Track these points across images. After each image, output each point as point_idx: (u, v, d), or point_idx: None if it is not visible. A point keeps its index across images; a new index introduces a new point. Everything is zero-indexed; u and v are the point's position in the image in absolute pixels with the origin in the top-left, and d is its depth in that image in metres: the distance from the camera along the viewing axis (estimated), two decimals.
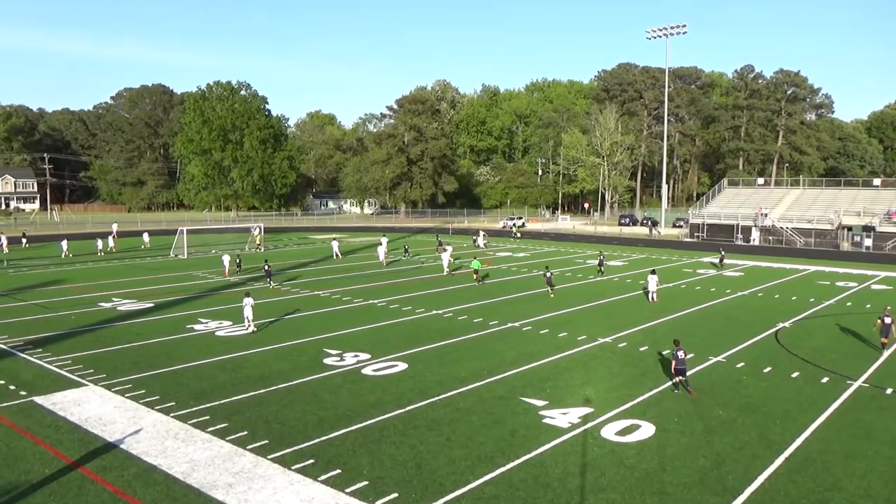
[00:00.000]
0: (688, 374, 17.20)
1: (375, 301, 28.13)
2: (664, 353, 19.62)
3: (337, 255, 46.50)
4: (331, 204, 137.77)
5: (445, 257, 39.21)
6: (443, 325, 23.48)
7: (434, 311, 25.81)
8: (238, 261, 39.18)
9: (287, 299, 28.80)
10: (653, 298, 28.70)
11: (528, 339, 21.31)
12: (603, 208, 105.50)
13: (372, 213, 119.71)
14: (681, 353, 16.41)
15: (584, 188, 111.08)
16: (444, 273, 37.17)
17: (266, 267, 33.33)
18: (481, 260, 36.17)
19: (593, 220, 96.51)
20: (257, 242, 51.73)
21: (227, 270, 36.87)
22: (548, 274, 31.28)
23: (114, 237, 50.94)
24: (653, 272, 29.99)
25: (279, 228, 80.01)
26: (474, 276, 34.66)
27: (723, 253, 44.30)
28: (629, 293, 31.03)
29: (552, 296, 29.44)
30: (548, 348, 20.15)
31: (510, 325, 23.43)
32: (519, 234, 66.87)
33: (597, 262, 39.33)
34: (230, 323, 23.40)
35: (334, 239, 50.82)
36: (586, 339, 21.41)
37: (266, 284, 32.26)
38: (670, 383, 16.73)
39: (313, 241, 63.28)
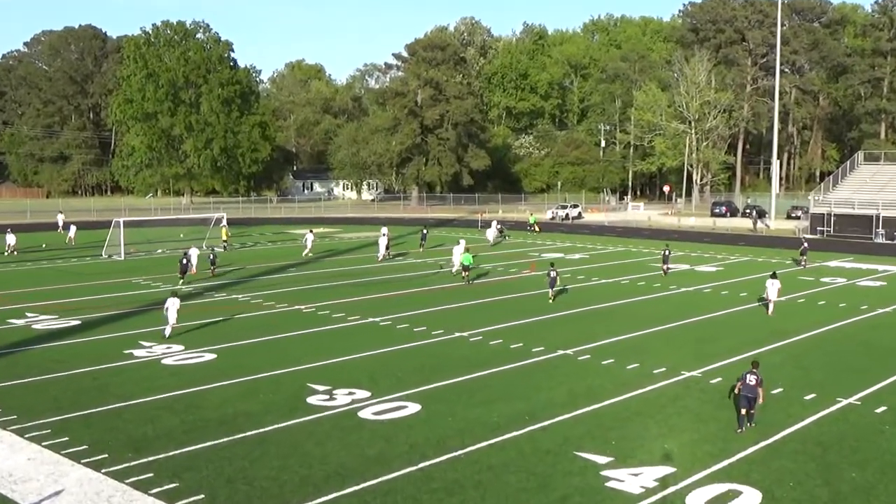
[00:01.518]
0: (797, 425, 16.97)
1: (377, 318, 28.26)
2: (775, 391, 19.42)
3: (307, 252, 47.86)
4: (317, 187, 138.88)
5: (457, 252, 40.35)
6: (469, 351, 23.51)
7: (457, 333, 25.85)
8: (211, 257, 40.06)
9: (258, 316, 29.03)
10: (771, 310, 29.64)
11: (586, 372, 21.23)
12: (689, 193, 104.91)
13: (373, 200, 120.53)
14: (751, 378, 16.85)
15: (663, 165, 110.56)
16: (453, 272, 39.51)
17: (183, 261, 36.73)
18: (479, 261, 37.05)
19: (676, 210, 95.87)
20: (224, 238, 52.32)
21: (194, 267, 39.13)
22: (552, 273, 32.48)
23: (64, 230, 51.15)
24: (773, 276, 30.56)
25: (247, 220, 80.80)
26: (462, 275, 37.66)
27: (805, 245, 44.76)
28: (726, 309, 30.79)
29: (551, 301, 31.89)
30: (613, 385, 20.06)
31: (560, 352, 23.38)
32: (537, 228, 67.24)
33: (669, 262, 40.99)
34: (182, 347, 23.69)
35: (310, 231, 51.01)
36: (666, 371, 21.27)
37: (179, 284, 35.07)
38: (761, 433, 16.53)
39: (293, 236, 63.54)
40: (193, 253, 40.79)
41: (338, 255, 49.16)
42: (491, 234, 57.55)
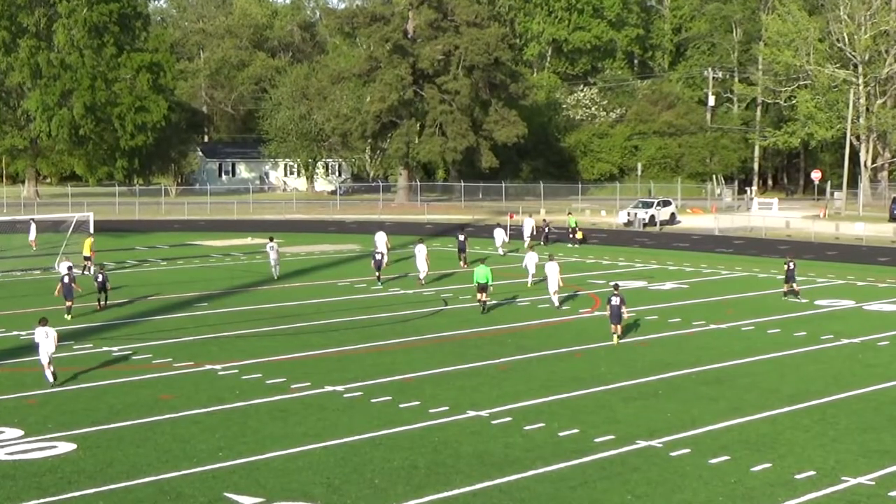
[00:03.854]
0: None
1: (340, 387, 28.22)
2: None
3: (274, 271, 50.97)
4: (242, 170, 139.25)
5: (532, 261, 47.47)
6: (490, 441, 23.47)
7: (471, 412, 25.79)
8: (100, 279, 40.90)
9: (145, 380, 28.99)
10: None
11: (685, 478, 21.12)
12: (854, 183, 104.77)
13: (334, 191, 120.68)
14: None
15: (810, 136, 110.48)
16: (554, 305, 42.98)
17: (65, 279, 38.59)
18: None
19: (833, 209, 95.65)
20: (87, 254, 52.66)
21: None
22: (614, 299, 34.41)
23: None
24: None
25: (128, 224, 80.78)
26: (478, 299, 41.49)
27: None
28: None
29: (616, 343, 34.76)
30: (728, 498, 19.93)
31: (642, 444, 23.28)
32: (580, 236, 69.49)
33: (795, 280, 44.61)
34: (20, 433, 23.65)
35: (271, 240, 52.45)
36: (816, 477, 21.15)
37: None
38: None
39: (204, 250, 63.53)
40: (64, 268, 42.00)
41: (277, 282, 49.38)
42: (500, 238, 59.38)
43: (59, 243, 55.71)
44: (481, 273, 40.78)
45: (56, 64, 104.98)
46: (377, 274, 48.94)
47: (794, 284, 44.70)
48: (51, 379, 27.81)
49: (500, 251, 61.25)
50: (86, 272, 50.06)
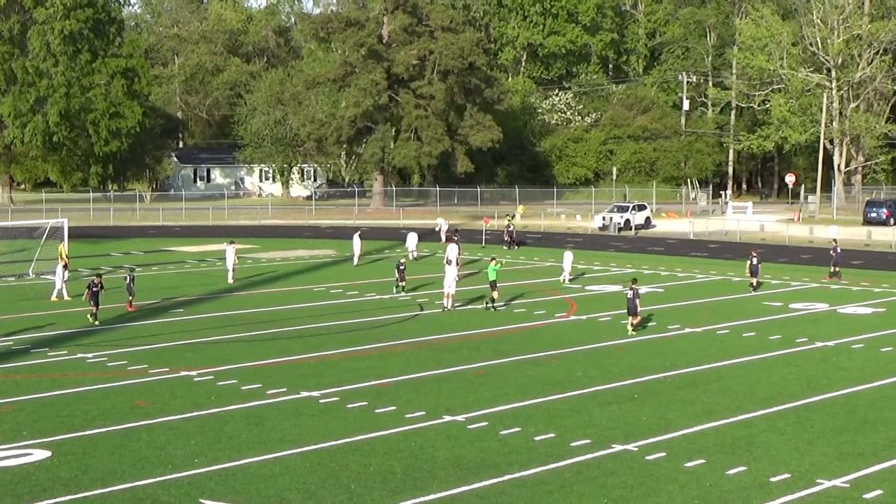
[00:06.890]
0: None
1: (315, 392, 28.20)
2: None
3: (230, 274, 51.40)
4: (217, 176, 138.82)
5: (568, 259, 51.21)
6: (466, 446, 23.48)
7: (447, 416, 25.81)
8: (128, 280, 42.32)
9: (119, 387, 28.90)
10: None
11: (660, 481, 21.16)
12: (828, 186, 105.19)
13: (309, 197, 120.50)
14: None
15: (784, 140, 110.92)
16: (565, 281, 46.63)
17: (93, 286, 39.04)
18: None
19: (806, 212, 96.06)
20: (63, 260, 52.54)
21: (57, 292, 43.64)
22: (629, 292, 37.49)
23: None
24: None
25: (102, 230, 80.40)
26: (487, 302, 43.12)
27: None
28: (888, 377, 30.80)
29: (631, 332, 37.24)
30: (704, 503, 20.03)
31: (617, 447, 23.33)
32: (505, 237, 69.60)
33: (759, 275, 47.26)
34: None
35: (231, 243, 52.74)
36: (791, 480, 21.21)
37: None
38: None
39: (179, 256, 63.29)
40: (58, 273, 44.09)
41: (253, 289, 49.24)
42: (413, 242, 61.15)
43: (34, 250, 55.44)
44: (493, 270, 42.62)
45: (31, 71, 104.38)
46: (402, 281, 47.44)
47: (756, 279, 47.46)
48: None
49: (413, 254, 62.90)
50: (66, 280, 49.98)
